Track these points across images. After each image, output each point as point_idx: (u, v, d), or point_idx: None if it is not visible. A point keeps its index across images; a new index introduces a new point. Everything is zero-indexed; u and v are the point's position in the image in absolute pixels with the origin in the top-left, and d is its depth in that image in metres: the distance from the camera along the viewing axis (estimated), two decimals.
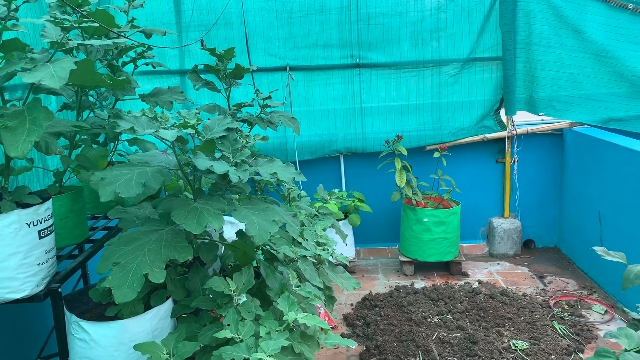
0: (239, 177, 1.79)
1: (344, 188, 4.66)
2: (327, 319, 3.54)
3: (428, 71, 4.42)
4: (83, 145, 2.57)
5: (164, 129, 1.76)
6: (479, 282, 4.13)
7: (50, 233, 2.01)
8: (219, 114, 2.85)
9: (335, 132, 4.52)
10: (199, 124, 1.92)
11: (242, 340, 1.74)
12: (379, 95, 4.48)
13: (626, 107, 4.01)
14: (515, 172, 4.61)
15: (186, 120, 1.79)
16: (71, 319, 1.92)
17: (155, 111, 2.66)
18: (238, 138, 2.02)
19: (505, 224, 4.63)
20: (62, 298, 2.02)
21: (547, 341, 3.15)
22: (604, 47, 3.94)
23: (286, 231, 2.19)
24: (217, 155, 2.03)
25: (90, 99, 2.68)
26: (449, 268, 4.37)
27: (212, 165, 1.73)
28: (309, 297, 1.99)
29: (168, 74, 4.44)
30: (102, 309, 2.11)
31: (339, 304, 3.88)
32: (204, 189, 2.08)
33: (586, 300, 3.74)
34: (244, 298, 1.91)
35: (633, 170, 3.49)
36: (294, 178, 1.95)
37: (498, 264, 4.54)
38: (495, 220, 4.70)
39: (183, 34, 4.36)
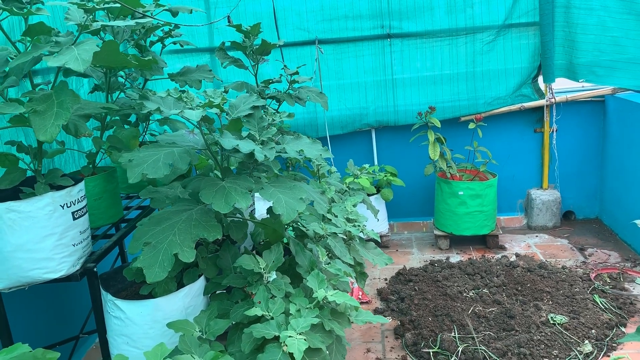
0: (265, 155, 1.78)
1: (376, 162, 4.61)
2: (360, 294, 3.54)
3: (462, 39, 4.28)
4: (115, 127, 2.60)
5: (190, 109, 1.76)
6: (517, 255, 4.05)
7: (84, 214, 2.06)
8: (246, 92, 2.84)
9: (366, 106, 4.45)
10: (225, 102, 1.91)
11: (272, 318, 1.75)
12: (411, 66, 4.37)
13: None
14: (555, 142, 4.46)
15: (211, 99, 1.78)
16: (107, 298, 1.97)
17: (180, 91, 2.67)
18: (264, 116, 2.00)
19: (544, 195, 4.51)
20: (97, 277, 2.07)
21: (587, 315, 3.08)
22: None
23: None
24: (245, 133, 2.02)
25: (120, 79, 2.71)
26: (486, 241, 4.29)
27: (237, 145, 1.72)
28: (338, 274, 1.98)
29: (198, 52, 4.44)
30: (137, 287, 2.16)
31: (373, 278, 3.87)
32: (232, 168, 2.08)
33: (629, 272, 3.62)
34: (273, 275, 1.92)
35: None
36: (320, 155, 1.92)
37: (537, 236, 4.43)
38: (533, 192, 4.57)
39: (211, 10, 4.33)
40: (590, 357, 2.75)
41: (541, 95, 4.33)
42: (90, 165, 2.49)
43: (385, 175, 4.33)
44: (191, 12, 2.83)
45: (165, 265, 1.68)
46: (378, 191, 4.36)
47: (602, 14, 3.93)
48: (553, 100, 4.34)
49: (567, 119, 4.41)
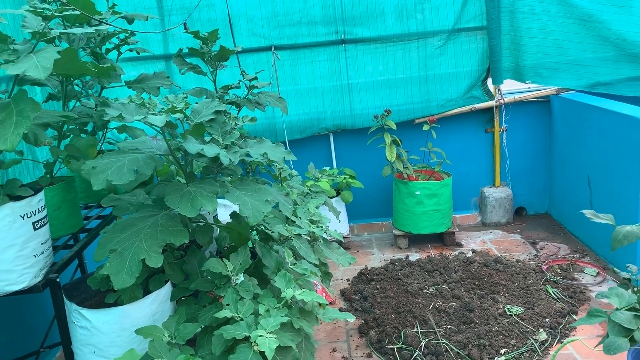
0: (229, 159, 1.80)
1: (334, 165, 4.68)
2: (324, 294, 3.59)
3: (414, 44, 4.40)
4: (72, 135, 2.56)
5: (153, 114, 1.77)
6: (473, 251, 4.19)
7: (45, 224, 2.02)
8: (206, 97, 2.85)
9: (323, 110, 4.52)
10: (187, 108, 1.92)
11: (242, 319, 1.77)
12: (365, 71, 4.47)
13: (612, 71, 4.03)
14: (505, 141, 4.64)
15: (174, 105, 1.79)
16: (71, 308, 1.94)
17: (142, 97, 2.66)
18: (227, 120, 2.02)
19: (497, 193, 4.68)
20: (60, 288, 2.04)
21: (541, 305, 3.22)
22: (589, 11, 3.95)
23: (279, 211, 2.21)
24: (207, 138, 2.04)
25: (76, 88, 2.67)
26: (443, 239, 4.42)
27: (202, 149, 1.74)
28: (305, 274, 2.02)
29: (153, 60, 4.40)
30: (101, 296, 2.14)
31: (336, 279, 3.92)
32: (195, 173, 2.09)
33: (578, 263, 3.81)
34: (241, 278, 1.94)
35: (620, 133, 3.52)
36: (284, 157, 1.96)
37: (491, 232, 4.60)
38: (486, 190, 4.74)
39: (165, 17, 4.31)
40: (546, 345, 2.88)
41: (491, 96, 4.50)
42: (48, 175, 2.44)
43: (345, 178, 4.40)
44: (147, 19, 2.82)
45: (133, 271, 1.68)
46: (338, 194, 4.42)
47: (544, 18, 4.13)
48: (502, 101, 4.52)
49: (515, 118, 4.60)
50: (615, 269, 2.42)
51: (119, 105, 1.84)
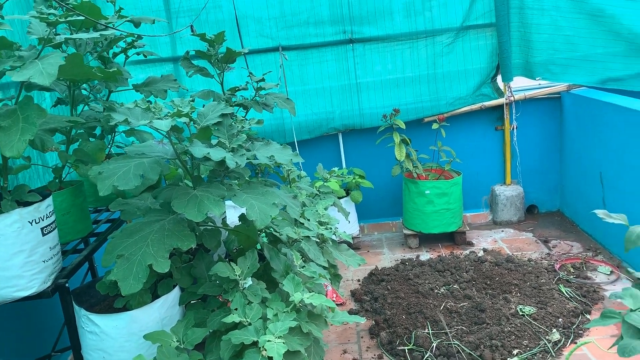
0: (236, 162, 1.79)
1: (344, 165, 4.66)
2: (334, 296, 3.57)
3: (422, 42, 4.37)
4: (80, 140, 2.57)
5: (158, 119, 1.76)
6: (484, 250, 4.15)
7: (54, 229, 2.03)
8: (213, 100, 2.85)
9: (332, 110, 4.50)
10: (193, 112, 1.91)
11: (250, 324, 1.76)
12: (374, 70, 4.44)
13: (624, 66, 3.97)
14: (515, 139, 4.59)
15: (180, 109, 1.78)
16: (80, 313, 1.95)
17: (148, 101, 2.65)
18: (233, 123, 2.01)
19: (508, 191, 4.63)
20: (70, 293, 2.04)
21: (554, 305, 3.18)
22: (599, 6, 3.89)
23: (287, 213, 2.20)
24: (214, 141, 2.03)
25: (84, 92, 2.67)
26: (454, 238, 4.38)
27: (208, 153, 1.73)
28: (314, 277, 2.01)
29: (161, 62, 4.41)
30: (110, 301, 2.14)
31: (346, 280, 3.91)
32: (202, 176, 2.08)
33: (591, 261, 3.76)
34: (249, 282, 1.93)
35: (633, 130, 3.47)
36: (291, 160, 1.95)
37: (502, 231, 4.55)
38: (497, 188, 4.70)
39: (173, 20, 4.31)
40: (559, 345, 2.84)
41: (500, 94, 4.46)
42: (57, 180, 2.45)
43: (354, 178, 4.38)
44: (153, 23, 2.82)
45: (140, 277, 1.68)
46: (347, 194, 4.40)
47: (554, 14, 4.08)
48: (512, 98, 4.47)
49: (526, 116, 4.55)
50: (630, 269, 2.39)
51: (124, 109, 1.83)
